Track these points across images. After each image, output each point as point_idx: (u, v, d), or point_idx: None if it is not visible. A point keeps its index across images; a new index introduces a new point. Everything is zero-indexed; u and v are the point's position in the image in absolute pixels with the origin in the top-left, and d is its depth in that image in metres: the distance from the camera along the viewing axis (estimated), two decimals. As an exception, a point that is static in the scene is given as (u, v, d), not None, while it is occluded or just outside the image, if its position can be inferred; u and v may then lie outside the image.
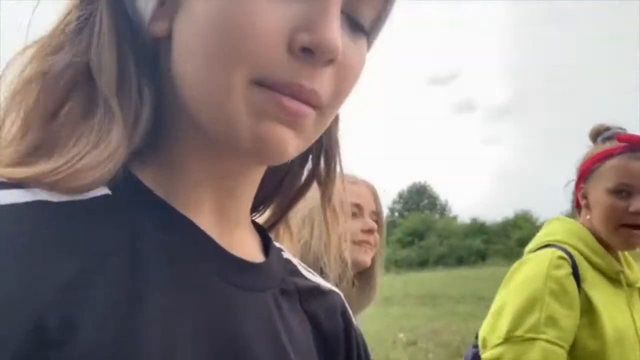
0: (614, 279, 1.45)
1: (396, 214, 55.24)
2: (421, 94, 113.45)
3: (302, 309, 0.56)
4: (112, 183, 0.44)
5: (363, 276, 1.45)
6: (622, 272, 1.45)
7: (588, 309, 1.35)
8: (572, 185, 1.56)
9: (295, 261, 0.61)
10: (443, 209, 57.78)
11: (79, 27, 0.45)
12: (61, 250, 0.39)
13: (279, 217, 0.62)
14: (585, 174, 1.51)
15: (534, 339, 1.28)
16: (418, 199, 56.98)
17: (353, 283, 1.38)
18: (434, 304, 12.78)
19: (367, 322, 1.59)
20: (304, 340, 0.54)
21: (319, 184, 0.59)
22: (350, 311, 0.63)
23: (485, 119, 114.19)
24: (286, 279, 0.56)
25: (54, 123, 0.43)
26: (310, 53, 0.42)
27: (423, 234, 45.52)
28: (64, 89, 0.43)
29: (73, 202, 0.41)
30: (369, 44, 0.49)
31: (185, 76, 0.44)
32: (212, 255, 0.47)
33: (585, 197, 1.50)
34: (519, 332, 1.30)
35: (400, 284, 19.00)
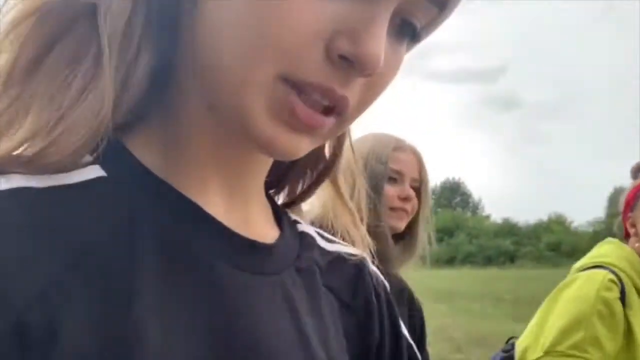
0: None
1: (427, 209, 54.87)
2: (462, 86, 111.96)
3: (324, 285, 0.52)
4: (105, 161, 0.40)
5: (404, 236, 1.51)
6: None
7: (628, 335, 1.40)
8: (613, 192, 1.66)
9: (312, 231, 0.56)
10: (475, 208, 57.19)
11: None
12: (47, 243, 0.35)
13: (300, 196, 0.58)
14: (631, 203, 1.59)
15: (575, 357, 1.32)
16: (451, 195, 56.54)
17: (394, 241, 1.47)
18: (449, 301, 12.83)
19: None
20: (329, 322, 0.50)
21: (331, 180, 0.57)
22: (377, 272, 0.59)
23: (528, 117, 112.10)
24: (302, 256, 0.51)
25: (35, 75, 0.37)
26: (349, 62, 0.38)
27: (453, 231, 45.12)
28: (56, 31, 0.38)
29: (61, 187, 0.38)
30: (411, 47, 0.45)
31: (212, 50, 0.39)
32: (218, 240, 0.43)
33: (633, 225, 1.57)
34: (561, 348, 1.33)
35: (420, 279, 19.03)
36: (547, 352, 1.33)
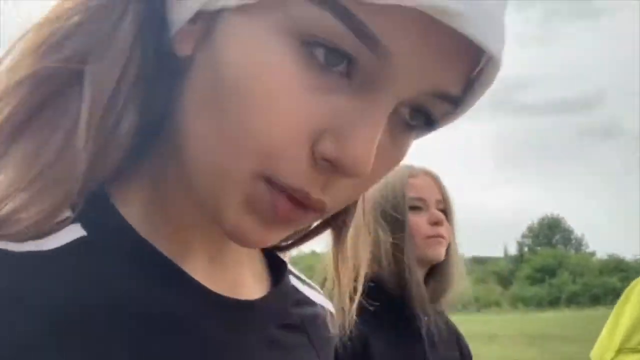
0: None
1: (525, 248, 52.70)
2: (556, 117, 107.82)
3: (309, 341, 0.52)
4: (87, 218, 0.38)
5: (439, 268, 1.38)
6: None
7: None
8: None
9: (300, 282, 0.56)
10: (579, 244, 53.96)
11: (93, 15, 0.36)
12: (21, 309, 0.34)
13: (294, 242, 0.55)
14: None
15: None
16: (550, 233, 53.93)
17: (427, 277, 1.37)
18: (542, 345, 12.41)
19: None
20: None
21: (333, 229, 0.52)
22: (334, 328, 0.58)
23: (630, 146, 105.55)
24: (290, 311, 0.51)
25: (20, 138, 0.36)
26: (331, 165, 0.35)
27: (554, 270, 42.93)
28: (46, 97, 0.36)
29: (39, 252, 0.36)
30: (421, 135, 0.42)
31: (192, 129, 0.38)
32: (200, 301, 0.42)
33: None
34: (631, 344, 1.32)
35: (517, 323, 18.42)
36: (618, 351, 1.32)
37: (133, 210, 0.41)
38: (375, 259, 1.30)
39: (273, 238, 0.39)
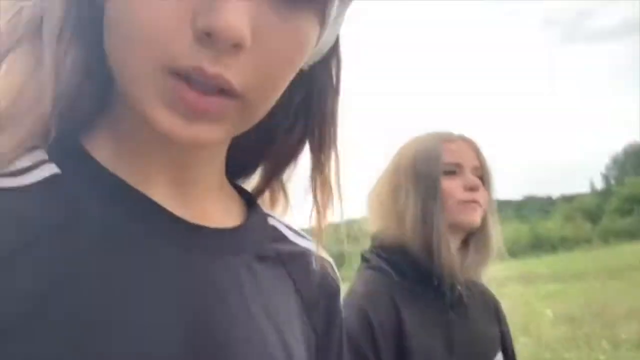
0: None
1: (612, 181, 50.45)
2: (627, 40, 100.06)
3: (288, 274, 0.54)
4: (60, 158, 0.43)
5: (475, 237, 1.33)
6: None
7: None
8: None
9: (284, 227, 0.58)
10: (669, 168, 50.96)
11: None
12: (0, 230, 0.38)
13: (266, 183, 0.59)
14: None
15: None
16: (636, 161, 51.26)
17: (466, 244, 1.33)
18: (628, 277, 12.22)
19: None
20: (284, 309, 0.52)
21: (312, 151, 0.55)
22: (338, 281, 0.60)
23: None
24: (265, 246, 0.53)
25: None
26: (211, 37, 0.37)
27: (646, 200, 40.93)
28: (11, 42, 0.41)
29: (17, 187, 0.40)
30: (325, 16, 0.43)
31: (109, 48, 0.41)
32: (164, 225, 0.45)
33: None
34: None
35: (606, 258, 18.00)
36: None
37: (101, 150, 0.46)
38: (401, 221, 1.29)
39: (202, 135, 0.41)
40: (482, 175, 1.34)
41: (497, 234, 1.35)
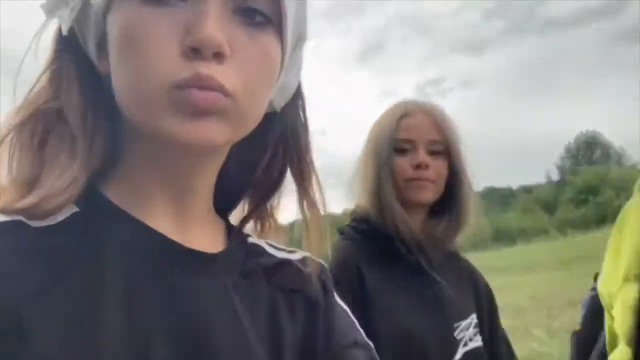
0: None
1: (567, 171, 51.20)
2: (583, 29, 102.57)
3: (271, 285, 0.60)
4: (80, 202, 0.51)
5: (448, 205, 1.38)
6: None
7: None
8: None
9: (263, 243, 0.65)
10: (620, 158, 52.06)
11: (51, 78, 0.53)
12: (29, 260, 0.46)
13: (252, 211, 0.65)
14: None
15: None
16: (588, 151, 52.09)
17: (434, 216, 1.37)
18: (575, 268, 12.68)
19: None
20: (269, 320, 0.58)
21: (294, 178, 0.63)
22: (329, 280, 0.67)
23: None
24: (247, 262, 0.60)
25: (37, 160, 0.50)
26: (198, 51, 0.46)
27: (598, 189, 41.94)
28: (43, 130, 0.51)
29: (47, 226, 0.49)
30: (283, 35, 0.53)
31: (121, 100, 0.50)
32: (169, 251, 0.53)
33: None
34: (637, 270, 1.24)
35: (561, 249, 18.55)
36: (625, 280, 1.25)
37: (114, 191, 0.54)
38: (365, 196, 1.37)
39: (212, 129, 0.49)
40: (446, 147, 1.36)
41: (473, 201, 1.38)
